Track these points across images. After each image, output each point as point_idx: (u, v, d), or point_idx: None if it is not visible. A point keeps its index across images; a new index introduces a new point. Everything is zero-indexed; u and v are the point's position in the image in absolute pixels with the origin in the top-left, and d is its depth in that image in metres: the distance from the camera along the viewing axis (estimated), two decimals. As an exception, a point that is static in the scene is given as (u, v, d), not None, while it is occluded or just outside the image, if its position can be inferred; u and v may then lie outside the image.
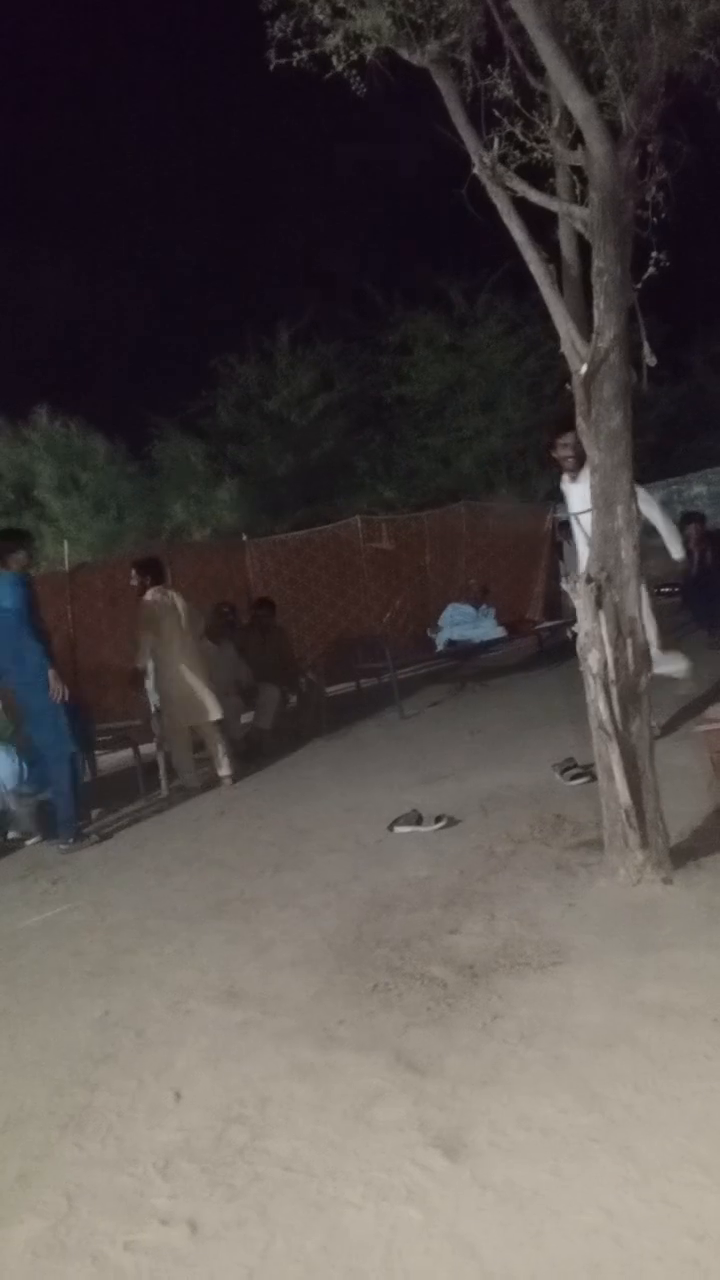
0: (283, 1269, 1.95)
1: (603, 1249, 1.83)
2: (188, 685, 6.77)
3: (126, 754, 7.55)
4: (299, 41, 3.76)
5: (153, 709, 6.88)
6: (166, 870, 4.94)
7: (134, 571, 7.02)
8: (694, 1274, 1.75)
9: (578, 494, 5.46)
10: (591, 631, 3.52)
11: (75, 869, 5.29)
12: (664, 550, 5.99)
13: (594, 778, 3.92)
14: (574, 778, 4.97)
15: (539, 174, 3.73)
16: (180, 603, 6.86)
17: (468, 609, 10.17)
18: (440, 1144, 2.24)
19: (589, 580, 3.53)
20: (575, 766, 5.04)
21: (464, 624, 9.95)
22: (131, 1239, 2.12)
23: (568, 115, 3.51)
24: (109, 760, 8.00)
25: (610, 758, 3.52)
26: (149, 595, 6.79)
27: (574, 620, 3.66)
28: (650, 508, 5.44)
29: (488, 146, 3.65)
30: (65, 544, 10.36)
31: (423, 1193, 2.09)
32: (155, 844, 5.55)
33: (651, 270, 3.61)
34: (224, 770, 6.84)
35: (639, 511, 3.65)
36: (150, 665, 6.78)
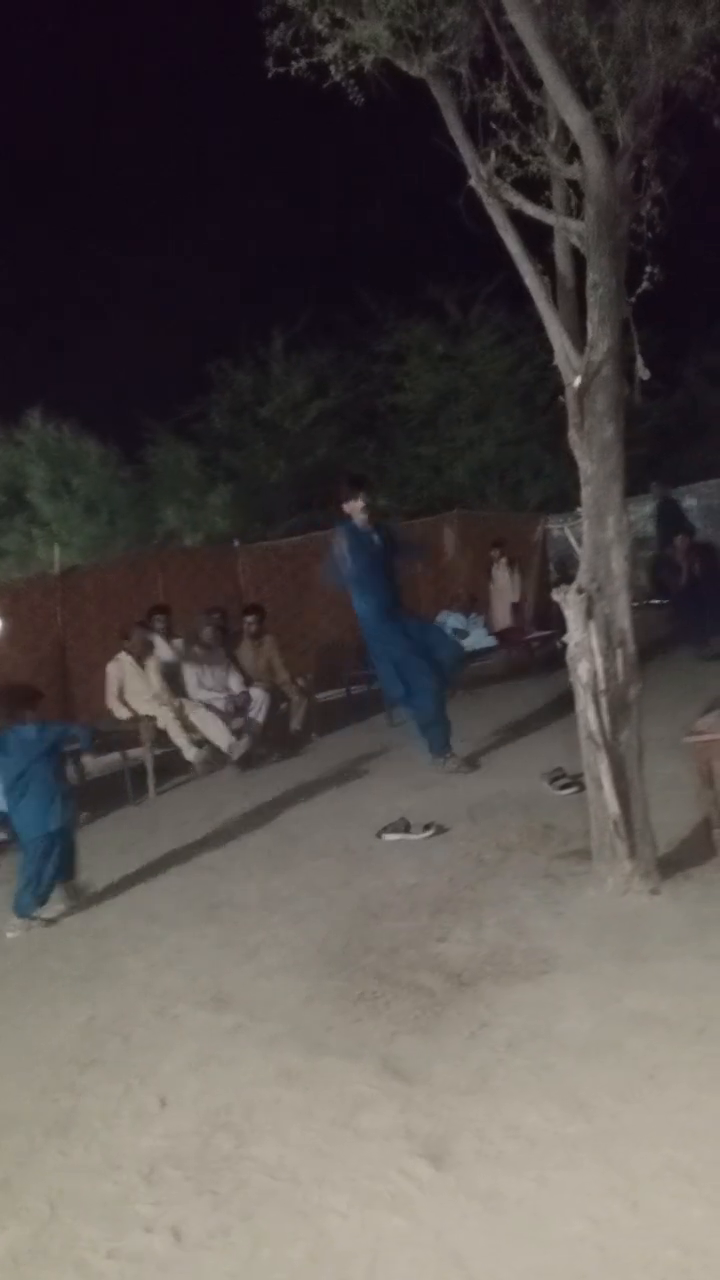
0: (268, 1277, 1.94)
1: (588, 1258, 1.84)
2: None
3: (115, 757, 7.53)
4: (297, 50, 3.78)
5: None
6: (154, 874, 4.93)
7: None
8: (679, 1284, 1.75)
9: None
10: (581, 642, 3.53)
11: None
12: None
13: (583, 788, 3.93)
14: (563, 787, 4.98)
15: (535, 187, 3.76)
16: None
17: (458, 617, 10.18)
18: (426, 1152, 2.24)
19: (579, 591, 3.55)
20: (564, 776, 5.05)
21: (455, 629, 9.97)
22: (115, 1246, 2.11)
23: (564, 129, 3.54)
24: (97, 764, 7.97)
25: (599, 768, 3.53)
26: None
27: (562, 630, 3.67)
28: None
29: (484, 159, 3.67)
30: (56, 548, 10.34)
31: (409, 1201, 2.08)
32: (143, 847, 5.53)
33: (646, 284, 3.64)
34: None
35: (630, 523, 3.67)
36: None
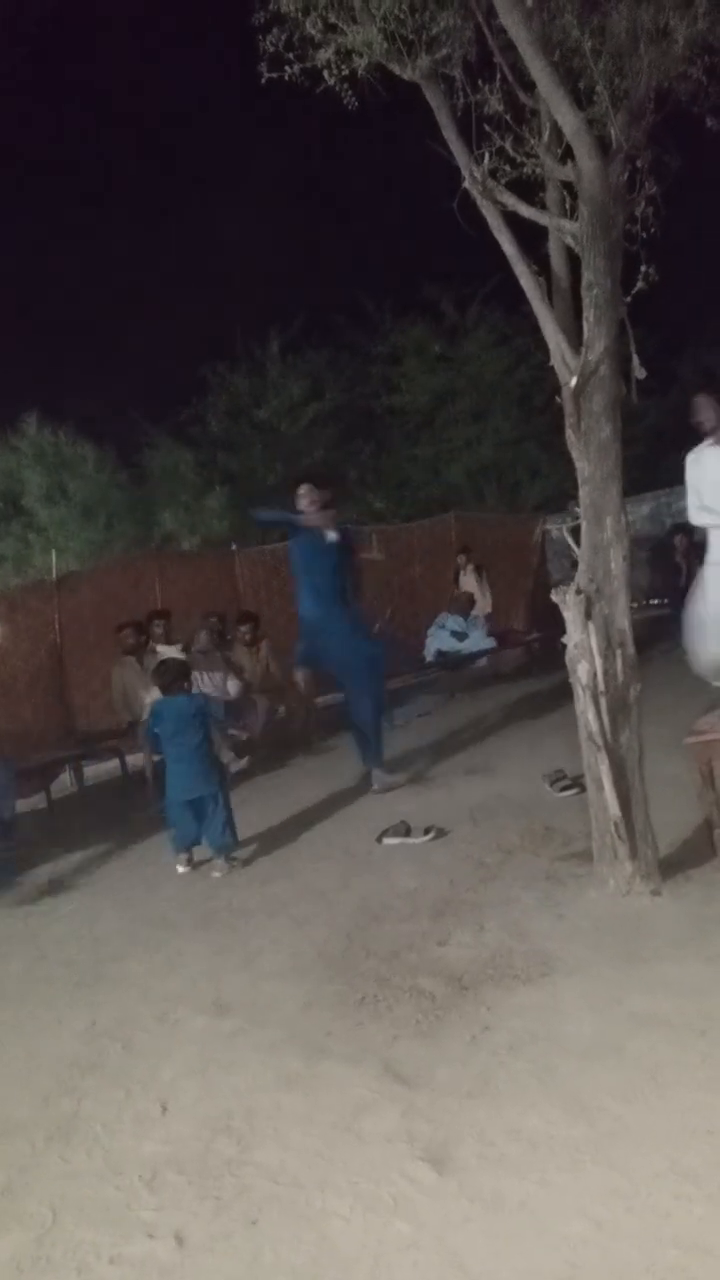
0: (270, 1282, 1.94)
1: (591, 1260, 1.83)
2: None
3: (113, 765, 7.52)
4: (291, 55, 3.79)
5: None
6: (154, 880, 4.92)
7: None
8: (682, 1285, 1.75)
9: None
10: (581, 643, 3.53)
11: (63, 878, 5.27)
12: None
13: (583, 789, 3.93)
14: (563, 789, 4.98)
15: (529, 188, 3.77)
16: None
17: (457, 619, 10.17)
18: (428, 1156, 2.23)
19: (578, 592, 3.55)
20: (565, 778, 5.04)
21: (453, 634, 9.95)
22: (117, 1251, 2.11)
23: (558, 130, 3.55)
24: (95, 771, 7.97)
25: (599, 769, 3.53)
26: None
27: (561, 631, 3.67)
28: None
29: (478, 161, 3.68)
30: (54, 553, 10.33)
31: (411, 1205, 2.08)
32: (142, 853, 5.53)
33: (641, 284, 3.64)
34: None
35: (628, 523, 3.67)
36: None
